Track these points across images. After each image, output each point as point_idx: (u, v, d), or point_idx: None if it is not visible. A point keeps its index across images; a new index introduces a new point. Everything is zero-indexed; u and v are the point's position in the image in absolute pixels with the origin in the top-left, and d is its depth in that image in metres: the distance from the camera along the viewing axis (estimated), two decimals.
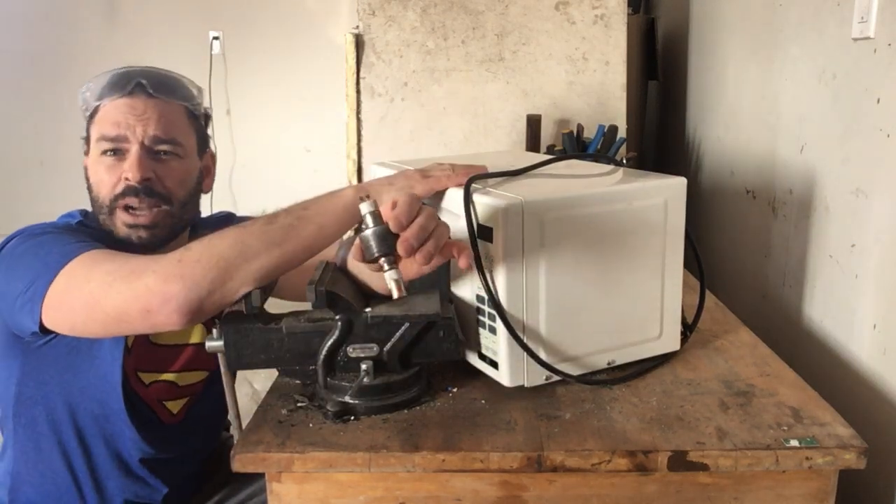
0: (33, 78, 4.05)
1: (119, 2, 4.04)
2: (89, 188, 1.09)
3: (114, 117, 1.06)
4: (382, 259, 0.81)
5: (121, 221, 1.06)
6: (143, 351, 1.10)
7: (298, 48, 3.99)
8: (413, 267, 0.84)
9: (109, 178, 1.06)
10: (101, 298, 0.86)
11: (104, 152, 1.06)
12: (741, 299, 1.68)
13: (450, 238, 0.84)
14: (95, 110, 1.08)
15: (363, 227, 0.81)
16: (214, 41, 4.02)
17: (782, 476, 0.82)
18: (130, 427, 1.08)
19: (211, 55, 4.01)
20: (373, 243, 0.81)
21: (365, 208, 0.82)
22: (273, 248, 0.83)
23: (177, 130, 1.09)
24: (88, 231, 1.06)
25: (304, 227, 0.85)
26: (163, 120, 1.07)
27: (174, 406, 1.15)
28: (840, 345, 1.25)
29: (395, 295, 0.81)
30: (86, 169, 1.11)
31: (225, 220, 1.22)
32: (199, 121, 1.15)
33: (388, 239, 0.80)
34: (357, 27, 1.87)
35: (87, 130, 1.10)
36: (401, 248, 0.79)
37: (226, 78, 4.02)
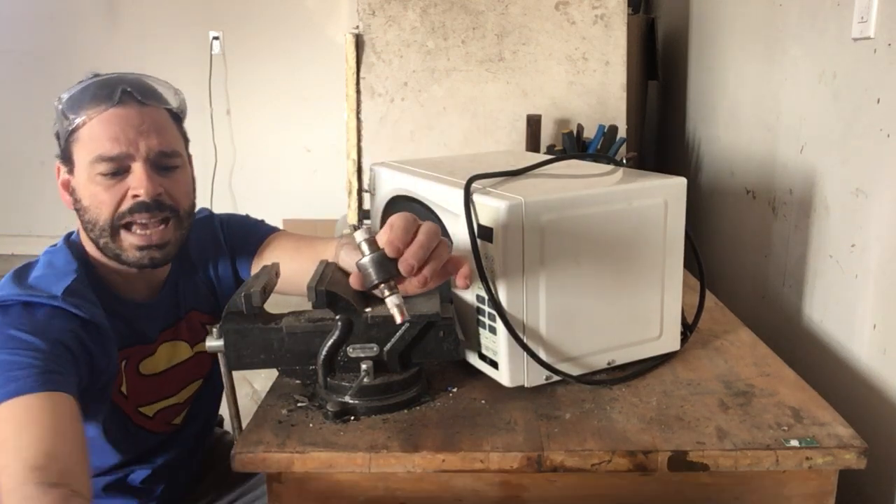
0: (34, 78, 4.06)
1: (119, 2, 4.05)
2: (82, 210, 0.99)
3: (110, 132, 0.95)
4: (382, 285, 0.80)
5: (129, 243, 0.99)
6: (138, 386, 1.06)
7: (298, 48, 4.00)
8: (413, 285, 0.82)
9: (111, 197, 0.97)
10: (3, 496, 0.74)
11: (101, 173, 0.96)
12: (741, 299, 1.68)
13: (451, 254, 0.83)
14: (78, 127, 0.96)
15: (360, 255, 0.81)
16: (214, 41, 4.02)
17: (782, 476, 0.82)
18: (129, 454, 1.07)
19: (211, 55, 4.01)
20: (371, 271, 0.80)
21: (360, 236, 0.81)
22: None
23: (174, 141, 1.02)
24: (77, 301, 0.92)
25: None
26: (161, 131, 0.99)
27: (178, 419, 1.15)
28: (840, 345, 1.25)
29: (398, 320, 0.80)
30: (73, 190, 0.99)
31: (206, 220, 1.17)
32: (182, 123, 1.08)
33: (385, 265, 0.80)
34: (357, 27, 1.87)
35: (69, 149, 0.98)
36: (402, 269, 0.79)
37: (226, 78, 4.02)
